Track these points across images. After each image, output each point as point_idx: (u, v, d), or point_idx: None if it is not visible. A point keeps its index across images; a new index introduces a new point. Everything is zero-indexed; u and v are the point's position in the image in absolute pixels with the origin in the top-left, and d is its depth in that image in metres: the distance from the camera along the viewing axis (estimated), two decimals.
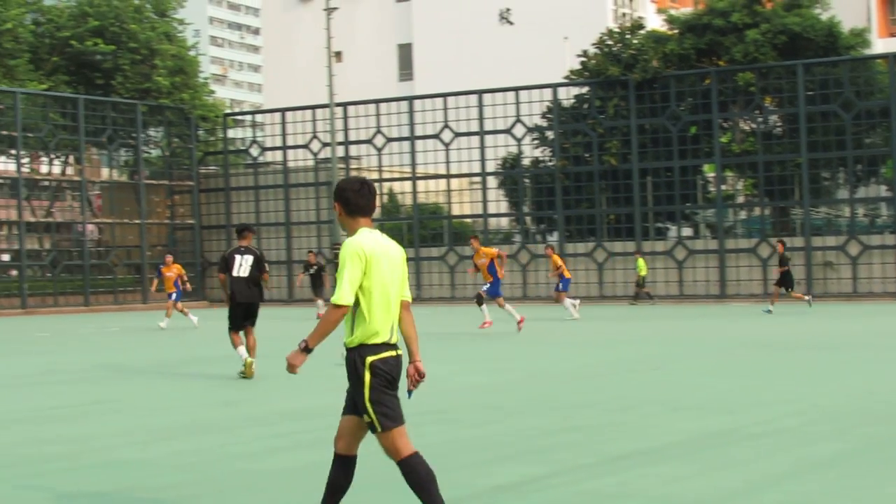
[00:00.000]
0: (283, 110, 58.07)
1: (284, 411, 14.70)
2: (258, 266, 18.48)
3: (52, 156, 57.16)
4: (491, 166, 53.33)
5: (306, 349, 7.42)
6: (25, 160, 54.63)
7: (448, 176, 53.86)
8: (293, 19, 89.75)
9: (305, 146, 56.74)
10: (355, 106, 56.08)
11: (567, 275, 36.16)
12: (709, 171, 51.23)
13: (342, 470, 7.63)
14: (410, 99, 55.57)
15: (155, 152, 60.23)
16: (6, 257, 55.47)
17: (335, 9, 56.32)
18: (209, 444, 12.17)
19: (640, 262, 46.41)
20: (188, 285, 37.87)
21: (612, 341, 26.27)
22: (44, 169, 58.25)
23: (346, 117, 55.80)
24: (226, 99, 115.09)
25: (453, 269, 52.69)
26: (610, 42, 51.47)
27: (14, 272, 52.25)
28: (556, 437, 12.14)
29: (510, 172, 53.74)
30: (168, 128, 58.56)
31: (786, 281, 36.32)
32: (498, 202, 54.05)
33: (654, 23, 68.11)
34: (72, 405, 15.75)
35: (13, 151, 52.24)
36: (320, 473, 10.25)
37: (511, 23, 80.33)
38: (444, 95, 53.98)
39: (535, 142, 53.56)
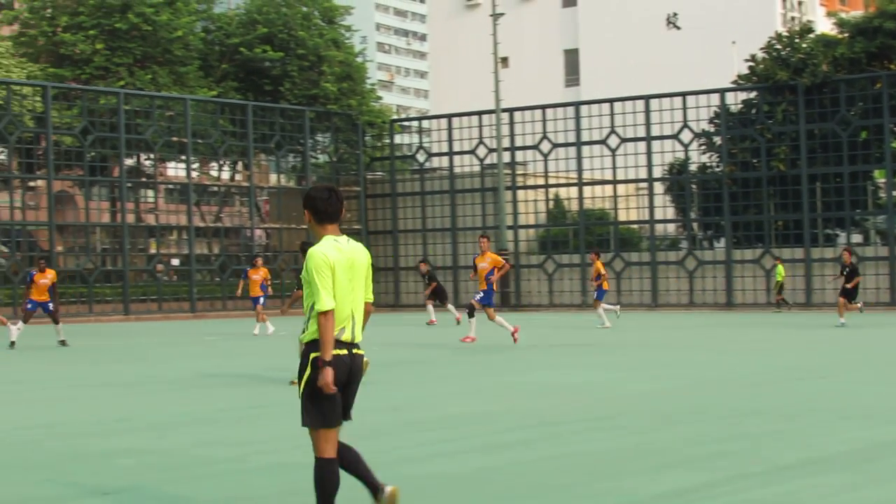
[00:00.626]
0: (449, 116, 58.36)
1: (451, 416, 14.71)
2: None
3: (222, 161, 58.35)
4: (657, 172, 52.84)
5: (325, 364, 7.62)
6: (195, 166, 55.88)
7: (614, 182, 53.50)
8: (459, 25, 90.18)
9: (471, 152, 56.91)
10: (521, 112, 56.07)
11: (605, 286, 36.25)
12: (879, 177, 49.98)
13: (336, 470, 7.93)
14: (577, 104, 55.37)
15: (322, 158, 61.06)
16: (176, 261, 56.82)
17: (502, 14, 56.42)
18: (376, 448, 12.18)
19: (780, 268, 46.26)
20: (270, 289, 37.69)
21: (776, 349, 25.81)
22: (213, 174, 59.49)
23: (512, 123, 55.82)
24: (392, 105, 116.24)
25: (619, 275, 52.26)
26: (778, 46, 50.57)
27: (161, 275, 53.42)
28: (722, 444, 11.93)
29: (677, 178, 53.19)
30: (335, 134, 59.31)
31: (850, 292, 34.98)
32: (665, 208, 53.49)
33: (824, 26, 66.78)
34: (241, 407, 16.02)
35: (184, 157, 53.52)
36: (489, 479, 10.29)
37: (678, 27, 79.48)
38: (611, 101, 53.64)
39: (703, 147, 52.92)
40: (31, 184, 56.30)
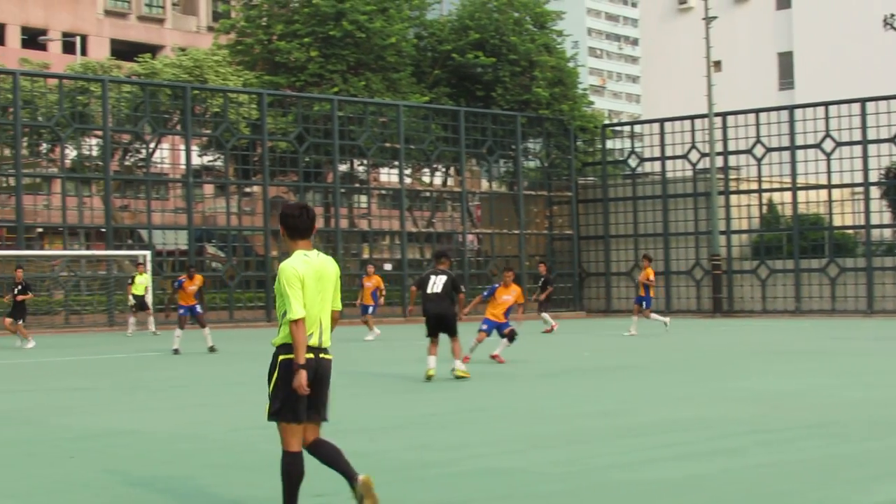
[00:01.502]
0: (661, 121, 57.74)
1: (662, 421, 14.51)
2: (452, 286, 21.18)
3: (434, 167, 58.87)
4: (874, 176, 51.27)
5: (300, 367, 8.48)
6: (408, 171, 56.52)
7: (829, 186, 52.10)
8: (671, 29, 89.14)
9: (684, 156, 56.18)
10: (734, 116, 55.10)
11: (652, 293, 36.23)
12: None
13: (301, 464, 8.68)
14: (791, 108, 54.11)
15: (533, 163, 61.09)
16: (388, 266, 57.57)
17: (714, 18, 55.59)
18: (586, 453, 12.11)
19: None
20: (382, 299, 37.20)
21: None
22: (425, 180, 60.14)
23: (724, 127, 54.88)
24: (604, 110, 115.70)
25: (834, 280, 50.90)
26: None
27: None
28: None
29: (894, 182, 51.52)
30: (547, 139, 59.25)
31: None
32: (881, 213, 51.92)
33: None
34: (451, 412, 16.07)
35: (396, 163, 54.20)
36: (699, 486, 10.08)
37: (895, 28, 76.97)
38: (826, 104, 52.29)
39: None
40: (247, 190, 57.79)
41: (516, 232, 57.07)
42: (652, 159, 58.14)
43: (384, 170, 57.81)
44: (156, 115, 47.60)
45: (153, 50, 67.04)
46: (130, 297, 39.80)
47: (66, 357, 25.03)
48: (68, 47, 66.54)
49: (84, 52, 63.79)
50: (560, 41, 61.01)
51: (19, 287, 32.61)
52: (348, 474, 8.77)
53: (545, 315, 40.07)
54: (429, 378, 20.35)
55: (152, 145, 49.47)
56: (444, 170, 60.26)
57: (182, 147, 50.03)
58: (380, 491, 9.83)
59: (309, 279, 8.59)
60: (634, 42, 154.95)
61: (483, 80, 58.43)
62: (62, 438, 13.56)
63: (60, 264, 45.92)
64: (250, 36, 55.98)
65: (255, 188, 55.59)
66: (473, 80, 58.76)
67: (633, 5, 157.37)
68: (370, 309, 35.98)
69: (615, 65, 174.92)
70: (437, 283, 21.13)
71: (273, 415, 8.66)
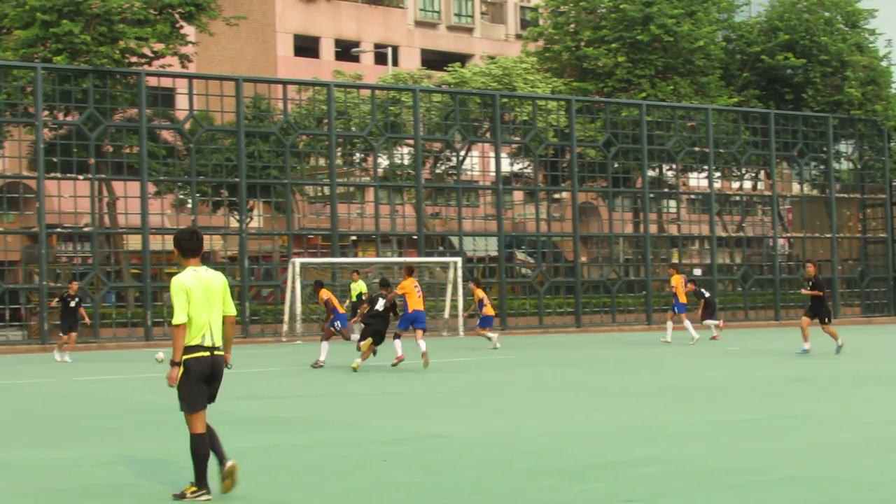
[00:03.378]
0: None
1: None
2: None
3: (744, 171, 57.82)
4: None
5: (174, 363, 10.19)
6: (717, 175, 55.71)
7: None
8: None
9: None
10: None
11: (683, 300, 35.90)
12: None
13: (206, 443, 10.29)
14: None
15: (845, 165, 59.25)
16: (698, 271, 56.85)
17: None
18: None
19: None
20: (487, 308, 35.54)
21: None
22: (735, 184, 59.11)
23: None
24: None
25: None
26: None
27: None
28: None
29: None
30: (860, 140, 57.38)
31: None
32: None
33: None
34: (759, 418, 15.78)
35: (705, 167, 53.50)
36: None
37: None
38: None
39: None
40: (556, 196, 58.11)
41: (828, 236, 55.47)
42: None
43: (693, 174, 57.12)
44: (465, 124, 48.45)
45: (462, 59, 68.22)
46: (347, 304, 40.21)
47: (371, 362, 25.68)
48: (380, 58, 68.36)
49: (395, 63, 65.42)
50: (872, 40, 58.95)
51: (76, 299, 32.15)
52: (221, 457, 10.38)
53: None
54: None
55: (462, 153, 50.36)
56: (753, 173, 59.10)
57: (491, 154, 50.75)
58: (687, 498, 9.76)
59: (197, 290, 10.23)
60: None
61: (793, 81, 57.04)
62: (375, 442, 13.95)
63: (374, 271, 47.19)
64: (558, 43, 56.27)
65: (564, 194, 55.84)
66: (783, 82, 57.46)
67: None
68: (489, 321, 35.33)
69: None
70: None
71: (184, 405, 10.25)
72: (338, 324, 28.96)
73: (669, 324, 36.34)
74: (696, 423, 15.35)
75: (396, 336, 26.16)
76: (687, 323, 35.68)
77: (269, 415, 17.22)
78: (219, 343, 10.36)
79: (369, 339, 25.35)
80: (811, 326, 28.87)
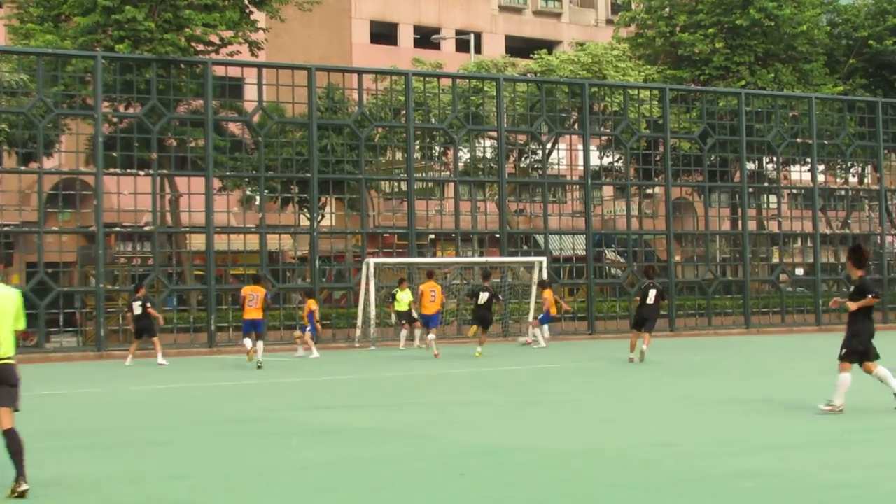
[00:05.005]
0: None
1: None
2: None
3: (849, 164, 57.09)
4: None
5: None
6: (821, 169, 55.04)
7: None
8: None
9: None
10: None
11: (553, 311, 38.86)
12: None
13: (13, 439, 11.48)
14: None
15: None
16: (800, 271, 56.20)
17: None
18: None
19: None
20: (558, 305, 37.01)
21: None
22: (839, 178, 58.36)
23: None
24: None
25: None
26: None
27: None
28: None
29: None
30: None
31: None
32: None
33: None
34: (862, 429, 15.55)
35: (808, 160, 52.84)
36: None
37: None
38: None
39: None
40: (649, 191, 57.73)
41: None
42: None
43: (795, 167, 56.45)
44: (552, 115, 48.15)
45: (549, 46, 67.89)
46: (392, 316, 40.42)
47: (461, 369, 25.63)
48: (462, 45, 68.31)
49: (478, 50, 65.31)
50: None
51: (147, 303, 32.90)
52: (19, 471, 11.32)
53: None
54: None
55: (548, 146, 50.14)
56: (860, 166, 58.33)
57: (580, 147, 50.42)
58: None
59: None
60: None
61: None
62: (452, 454, 13.84)
63: (453, 272, 47.07)
64: (651, 28, 55.93)
65: (657, 189, 55.46)
66: (892, 68, 56.71)
67: None
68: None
69: None
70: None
71: None
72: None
73: (538, 331, 38.59)
74: (798, 434, 15.15)
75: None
76: (538, 331, 38.37)
77: (342, 425, 17.20)
78: (8, 353, 11.61)
79: (475, 326, 32.45)
80: None
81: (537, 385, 24.11)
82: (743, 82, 52.65)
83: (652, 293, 29.60)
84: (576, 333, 45.23)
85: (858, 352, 16.88)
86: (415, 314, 37.32)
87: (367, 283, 40.44)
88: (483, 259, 44.78)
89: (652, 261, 52.84)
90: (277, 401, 21.48)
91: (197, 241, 44.56)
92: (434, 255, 49.79)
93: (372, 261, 41.11)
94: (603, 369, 28.46)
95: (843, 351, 16.96)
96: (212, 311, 40.41)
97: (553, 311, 38.91)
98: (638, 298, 30.84)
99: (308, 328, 34.91)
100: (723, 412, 18.11)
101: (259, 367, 29.26)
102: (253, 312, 30.56)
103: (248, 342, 30.43)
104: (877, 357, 16.94)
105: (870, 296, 16.76)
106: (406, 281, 39.45)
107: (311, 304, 35.28)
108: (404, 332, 39.00)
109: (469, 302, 39.43)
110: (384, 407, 20.29)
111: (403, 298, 38.67)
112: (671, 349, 35.33)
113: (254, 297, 30.43)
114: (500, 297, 30.43)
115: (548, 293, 38.55)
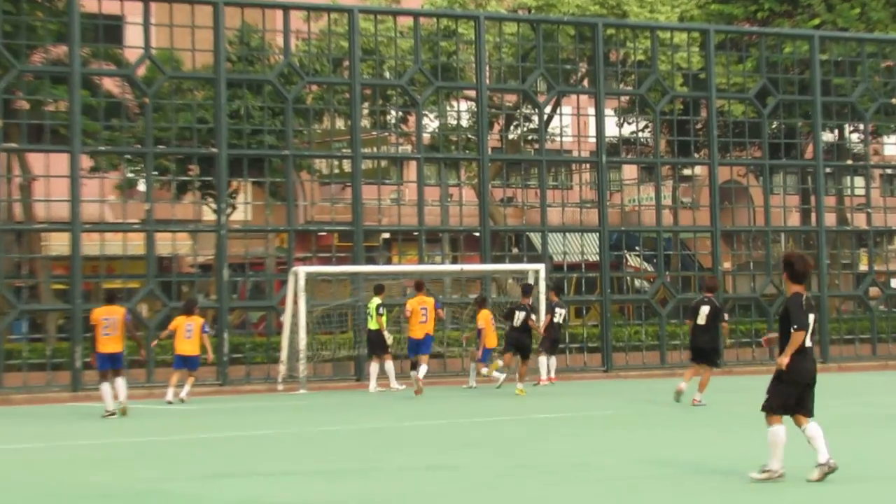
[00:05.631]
0: None
1: None
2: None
3: None
4: None
5: None
6: None
7: None
8: None
9: None
10: None
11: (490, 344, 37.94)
12: None
13: None
14: None
15: None
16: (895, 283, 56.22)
17: None
18: None
19: None
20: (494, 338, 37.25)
21: None
22: None
23: None
24: None
25: None
26: None
27: None
28: None
29: None
30: None
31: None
32: None
33: None
34: None
35: None
36: None
37: None
38: None
39: None
40: (686, 172, 57.63)
41: None
42: None
43: (890, 139, 56.38)
44: (553, 67, 47.74)
45: None
46: (389, 337, 38.84)
47: (433, 420, 25.34)
48: None
49: None
50: None
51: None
52: None
53: None
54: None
55: (548, 110, 49.80)
56: None
57: (591, 112, 49.94)
58: None
59: None
60: None
61: None
62: None
63: (399, 287, 46.91)
64: None
65: (699, 170, 55.29)
66: None
67: None
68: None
69: None
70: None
71: None
72: None
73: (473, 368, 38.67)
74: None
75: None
76: (473, 368, 38.74)
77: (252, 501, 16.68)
78: None
79: (508, 354, 34.89)
80: None
81: (535, 443, 23.74)
82: (817, 21, 52.62)
83: (704, 310, 29.47)
84: (585, 370, 44.66)
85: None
86: (388, 339, 36.61)
87: (296, 301, 39.83)
88: (457, 266, 44.50)
89: (692, 269, 52.60)
90: (163, 467, 21.01)
91: (58, 243, 44.15)
92: (389, 261, 49.58)
93: (302, 269, 40.60)
94: (625, 418, 28.29)
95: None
96: (77, 340, 39.59)
97: (491, 343, 37.67)
98: (689, 321, 30.84)
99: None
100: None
101: (123, 415, 29.39)
102: (111, 344, 30.07)
103: (104, 388, 30.01)
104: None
105: (793, 328, 16.45)
106: (383, 288, 38.33)
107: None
108: (374, 368, 37.85)
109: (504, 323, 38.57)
110: (314, 475, 19.81)
111: (378, 314, 37.48)
112: (717, 390, 34.96)
113: (111, 323, 29.91)
114: (534, 315, 33.36)
115: (484, 315, 37.39)
